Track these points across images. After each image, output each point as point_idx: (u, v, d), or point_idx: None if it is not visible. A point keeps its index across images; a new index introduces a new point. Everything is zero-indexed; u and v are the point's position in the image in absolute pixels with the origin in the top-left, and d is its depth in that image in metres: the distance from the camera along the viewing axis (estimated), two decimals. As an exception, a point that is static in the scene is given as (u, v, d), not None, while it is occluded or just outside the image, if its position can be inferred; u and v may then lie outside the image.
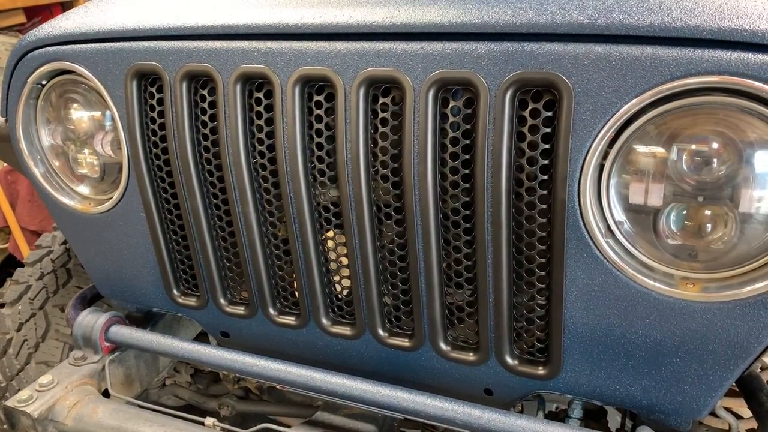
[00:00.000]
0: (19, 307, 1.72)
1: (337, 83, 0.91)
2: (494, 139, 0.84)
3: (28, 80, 1.16)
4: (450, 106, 0.87)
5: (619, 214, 0.84)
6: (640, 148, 0.81)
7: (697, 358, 0.85)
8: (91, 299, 1.38)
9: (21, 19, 3.80)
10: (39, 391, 1.16)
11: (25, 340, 1.68)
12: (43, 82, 1.18)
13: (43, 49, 1.14)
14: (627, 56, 0.76)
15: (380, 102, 0.91)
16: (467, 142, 0.87)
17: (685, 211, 0.81)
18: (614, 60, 0.77)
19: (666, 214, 0.82)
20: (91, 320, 1.24)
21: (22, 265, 3.14)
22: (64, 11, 4.37)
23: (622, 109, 0.78)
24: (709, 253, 0.81)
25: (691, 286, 0.82)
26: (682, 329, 0.84)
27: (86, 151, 1.21)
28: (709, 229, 0.80)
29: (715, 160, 0.77)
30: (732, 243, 0.80)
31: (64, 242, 1.79)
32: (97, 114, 1.17)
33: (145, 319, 1.36)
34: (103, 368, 1.23)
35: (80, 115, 1.18)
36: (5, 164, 3.13)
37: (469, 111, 0.86)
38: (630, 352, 0.89)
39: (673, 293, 0.83)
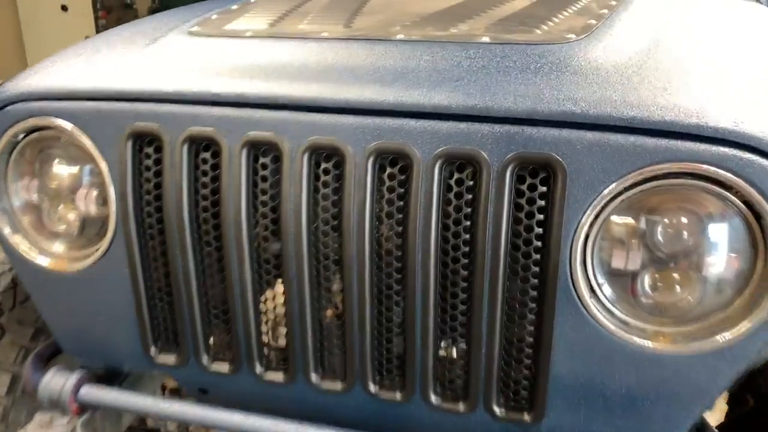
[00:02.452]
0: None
1: (346, 153, 0.99)
2: (495, 208, 0.95)
3: (6, 134, 1.14)
4: (455, 177, 0.97)
5: (602, 277, 0.96)
6: (620, 221, 0.94)
7: (665, 402, 0.98)
8: (49, 357, 1.33)
9: None
10: (7, 458, 1.10)
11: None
12: (20, 137, 1.15)
13: (26, 104, 1.13)
14: (613, 143, 0.90)
15: (387, 172, 0.99)
16: (469, 210, 0.97)
17: (657, 275, 0.95)
18: (603, 145, 0.90)
19: (641, 277, 0.95)
20: (60, 381, 1.20)
21: None
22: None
23: (609, 188, 0.91)
24: (677, 310, 0.95)
25: (663, 338, 0.95)
26: (653, 376, 0.97)
27: (62, 206, 1.19)
28: (678, 290, 0.94)
29: (684, 231, 0.92)
30: (696, 301, 0.94)
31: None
32: (81, 170, 1.16)
33: (111, 376, 1.32)
34: (73, 430, 1.19)
35: (62, 171, 1.16)
36: None
37: (472, 183, 0.97)
38: (607, 397, 1.01)
39: (646, 345, 0.96)
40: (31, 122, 1.12)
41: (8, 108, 1.13)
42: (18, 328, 1.63)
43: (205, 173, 1.07)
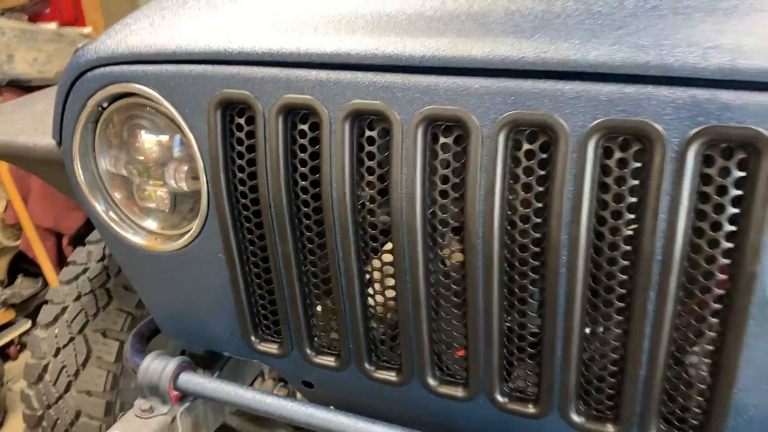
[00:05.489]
0: (56, 330, 1.59)
1: (471, 125, 0.79)
2: (672, 199, 0.73)
3: (88, 102, 1.03)
4: (615, 157, 0.75)
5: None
6: None
7: None
8: (149, 337, 1.26)
9: (22, -1, 3.60)
10: (107, 451, 1.04)
11: (64, 367, 1.56)
12: (104, 105, 1.04)
13: (106, 68, 1.00)
14: None
15: (524, 148, 0.79)
16: (635, 200, 0.75)
17: None
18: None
19: None
20: (159, 367, 1.12)
21: (34, 263, 3.01)
22: (70, -10, 4.13)
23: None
24: None
25: None
26: None
27: (152, 182, 1.08)
28: None
29: None
30: None
31: (102, 258, 1.66)
32: (169, 141, 1.03)
33: (210, 360, 1.24)
34: (174, 420, 1.12)
35: (149, 143, 1.04)
36: (16, 157, 2.97)
37: (639, 165, 0.74)
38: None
39: None
40: (113, 89, 1.00)
41: (88, 74, 1.01)
42: (124, 294, 1.60)
43: (304, 148, 0.91)
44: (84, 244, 1.73)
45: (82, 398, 1.54)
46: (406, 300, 0.93)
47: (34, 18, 3.70)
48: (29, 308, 3.06)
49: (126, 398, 1.56)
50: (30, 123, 1.25)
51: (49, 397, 1.57)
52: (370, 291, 0.99)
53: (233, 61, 0.91)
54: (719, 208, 0.72)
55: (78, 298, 1.61)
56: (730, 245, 0.73)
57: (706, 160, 0.72)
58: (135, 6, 5.34)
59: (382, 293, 0.98)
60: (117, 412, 1.54)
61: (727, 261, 0.73)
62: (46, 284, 3.05)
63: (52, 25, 3.60)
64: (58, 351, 1.58)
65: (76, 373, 1.55)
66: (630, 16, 0.76)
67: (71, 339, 1.57)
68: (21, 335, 2.99)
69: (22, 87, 2.95)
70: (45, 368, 1.58)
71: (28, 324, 3.01)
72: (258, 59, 0.89)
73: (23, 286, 3.01)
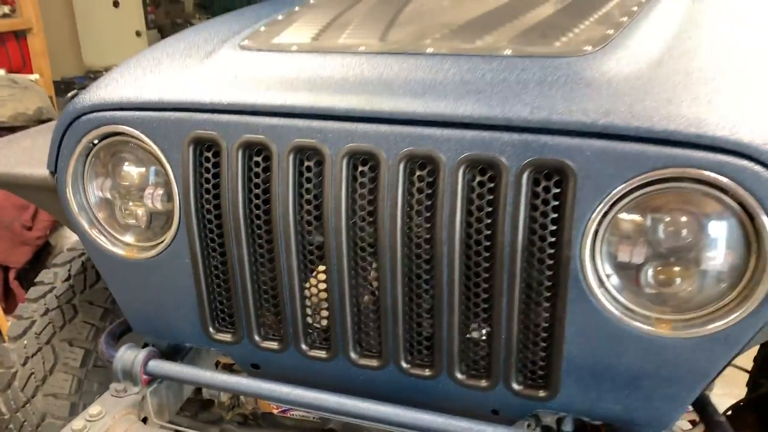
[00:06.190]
0: (25, 342, 1.80)
1: (380, 158, 1.11)
2: (513, 208, 1.06)
3: (82, 140, 1.30)
4: (477, 180, 1.09)
5: (609, 269, 1.07)
6: (626, 219, 1.05)
7: (666, 382, 1.09)
8: (120, 335, 1.51)
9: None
10: (90, 420, 1.28)
11: (32, 374, 1.76)
12: (95, 141, 1.31)
13: (99, 113, 1.29)
14: (620, 150, 1.00)
15: (417, 174, 1.12)
16: (490, 209, 1.09)
17: (659, 268, 1.06)
18: (610, 152, 1.01)
19: (645, 270, 1.06)
20: (131, 355, 1.37)
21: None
22: (18, 41, 4.34)
23: (615, 191, 1.01)
24: (677, 299, 1.06)
25: (664, 325, 1.06)
26: (656, 359, 1.08)
27: (132, 203, 1.35)
28: (677, 282, 1.05)
29: (683, 229, 1.02)
30: (694, 292, 1.04)
31: (67, 279, 1.88)
32: (148, 171, 1.31)
33: (173, 353, 1.49)
34: (143, 399, 1.36)
35: (131, 171, 1.32)
36: (-32, 195, 3.12)
37: (492, 185, 1.08)
38: (615, 377, 1.12)
39: (650, 331, 1.06)
40: (104, 129, 1.28)
41: (83, 117, 1.29)
42: (89, 308, 1.83)
43: (257, 175, 1.21)
44: (34, 277, 1.94)
45: (49, 401, 1.75)
46: (334, 295, 1.22)
47: (-19, 65, 3.88)
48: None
49: (88, 400, 1.77)
50: (22, 156, 1.50)
51: (17, 402, 1.76)
52: (306, 289, 1.28)
53: (204, 109, 1.21)
54: (544, 214, 1.06)
55: (46, 312, 1.82)
56: (553, 239, 1.07)
57: (535, 181, 1.06)
58: (80, 56, 5.56)
59: (316, 291, 1.27)
60: (80, 412, 1.74)
61: (552, 250, 1.07)
62: (-9, 316, 3.16)
63: (1, 72, 3.79)
64: (26, 360, 1.78)
65: (44, 379, 1.76)
66: (487, 85, 1.12)
67: (39, 349, 1.78)
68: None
69: (-23, 129, 3.14)
70: (14, 376, 1.77)
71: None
72: (224, 108, 1.20)
73: (-32, 320, 3.12)
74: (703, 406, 1.26)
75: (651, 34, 1.29)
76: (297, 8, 1.70)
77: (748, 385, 1.89)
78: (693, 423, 1.39)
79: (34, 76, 4.08)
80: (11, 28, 4.01)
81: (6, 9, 4.03)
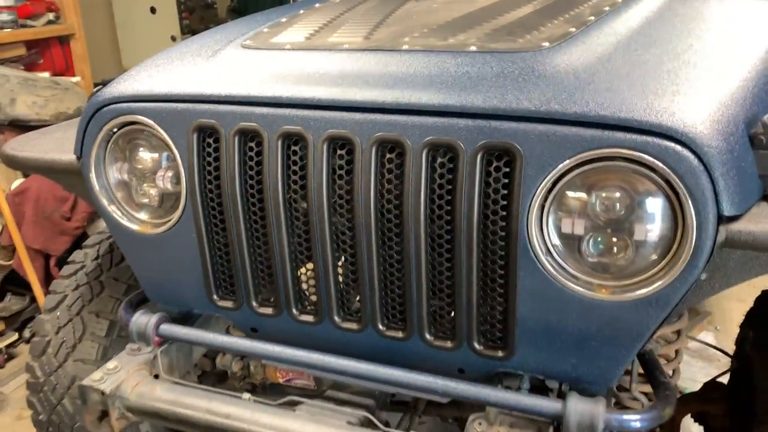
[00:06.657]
0: (58, 314, 2.00)
1: (355, 142, 1.27)
2: (469, 186, 1.20)
3: (104, 128, 1.49)
4: (438, 161, 1.23)
5: (555, 239, 1.20)
6: (569, 195, 1.18)
7: (608, 342, 1.22)
8: (137, 304, 1.69)
9: (21, 51, 4.07)
10: (107, 374, 1.46)
11: (64, 342, 1.97)
12: (115, 130, 1.50)
13: (118, 105, 1.47)
14: (559, 133, 1.13)
15: (387, 157, 1.27)
16: (450, 187, 1.23)
17: (599, 238, 1.18)
18: (551, 135, 1.14)
19: (586, 240, 1.19)
20: (145, 319, 1.55)
21: (24, 281, 3.38)
22: (61, 46, 4.62)
23: (556, 169, 1.14)
24: (615, 267, 1.18)
25: (604, 290, 1.19)
26: (598, 321, 1.20)
27: (146, 184, 1.53)
28: (614, 251, 1.17)
29: (618, 204, 1.15)
30: (630, 260, 1.17)
31: (96, 258, 2.09)
32: (160, 155, 1.49)
33: (184, 319, 1.67)
34: (155, 357, 1.54)
35: (145, 156, 1.50)
36: (12, 188, 3.39)
37: (452, 166, 1.22)
38: (563, 339, 1.25)
39: (592, 296, 1.19)
40: (122, 119, 1.47)
41: (104, 108, 1.48)
42: (114, 284, 2.02)
43: (251, 158, 1.38)
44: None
45: (78, 366, 1.95)
46: (318, 266, 1.38)
47: (28, 68, 4.16)
48: (17, 323, 3.42)
49: (113, 366, 1.96)
50: (53, 145, 1.70)
51: (50, 367, 1.97)
52: (296, 261, 1.44)
53: (206, 101, 1.39)
54: (496, 191, 1.20)
55: (76, 288, 2.02)
56: (504, 213, 1.20)
57: (488, 162, 1.20)
58: (119, 59, 5.86)
59: (305, 262, 1.43)
60: (105, 376, 1.94)
61: (503, 223, 1.21)
62: (33, 301, 3.42)
63: (46, 74, 4.06)
64: (59, 329, 1.98)
65: (74, 346, 1.96)
66: (450, 77, 1.26)
67: (70, 320, 1.98)
68: (8, 346, 3.34)
69: (21, 126, 3.39)
70: (48, 343, 1.98)
71: (16, 336, 3.36)
72: (222, 100, 1.37)
73: (12, 302, 3.39)
74: (651, 370, 1.37)
75: (610, 31, 1.41)
76: (301, 11, 1.87)
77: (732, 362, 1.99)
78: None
79: (76, 79, 4.35)
80: (55, 34, 4.29)
81: (51, 16, 4.31)
